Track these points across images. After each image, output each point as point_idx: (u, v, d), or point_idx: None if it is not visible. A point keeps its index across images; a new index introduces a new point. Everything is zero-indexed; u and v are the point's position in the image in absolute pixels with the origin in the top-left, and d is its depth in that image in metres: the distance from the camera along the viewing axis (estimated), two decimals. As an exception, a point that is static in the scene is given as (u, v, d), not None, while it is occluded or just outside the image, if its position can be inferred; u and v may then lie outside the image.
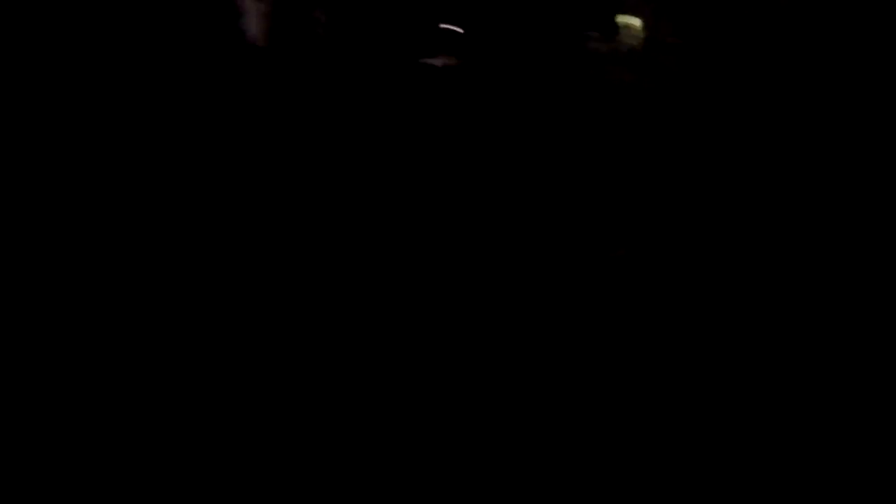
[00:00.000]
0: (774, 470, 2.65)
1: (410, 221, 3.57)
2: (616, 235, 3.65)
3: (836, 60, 4.00)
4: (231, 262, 3.30)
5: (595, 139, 4.00)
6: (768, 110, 3.99)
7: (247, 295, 3.16)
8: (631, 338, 3.17)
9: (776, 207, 3.69)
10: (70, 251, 3.21)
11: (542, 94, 4.14)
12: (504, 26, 4.25)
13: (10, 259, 3.14)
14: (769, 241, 3.59)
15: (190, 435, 2.64)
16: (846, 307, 3.26)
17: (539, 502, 2.54)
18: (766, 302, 3.34)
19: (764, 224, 3.66)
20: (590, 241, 3.59)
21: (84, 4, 3.82)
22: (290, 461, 2.58)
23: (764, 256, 3.53)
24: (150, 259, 3.28)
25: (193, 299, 3.10)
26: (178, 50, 4.00)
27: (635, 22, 4.26)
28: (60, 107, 3.68)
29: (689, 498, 2.56)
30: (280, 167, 3.71)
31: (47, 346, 2.88)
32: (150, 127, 3.77)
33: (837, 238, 3.55)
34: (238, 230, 3.44)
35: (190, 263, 3.25)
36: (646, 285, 3.41)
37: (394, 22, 4.25)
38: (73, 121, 3.67)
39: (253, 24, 4.07)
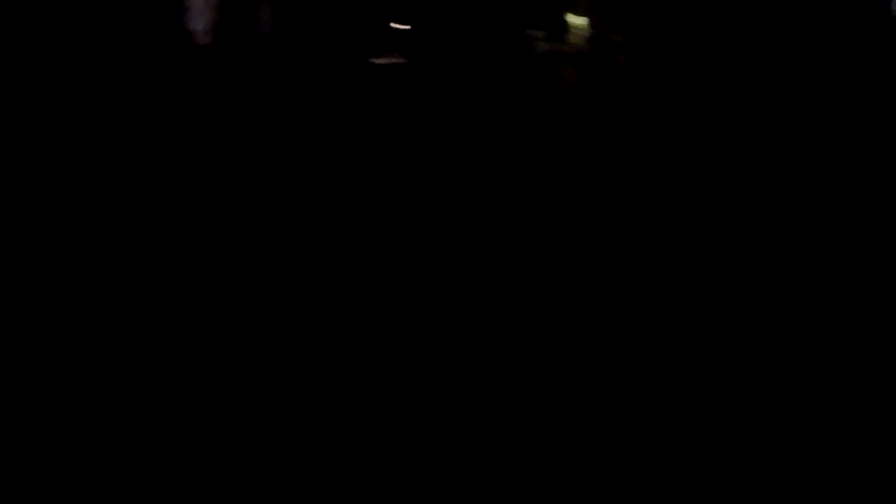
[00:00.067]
0: (754, 468, 2.67)
1: (357, 218, 3.54)
2: (567, 233, 3.67)
3: (776, 55, 4.08)
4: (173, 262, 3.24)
5: (543, 137, 4.02)
6: (714, 107, 4.06)
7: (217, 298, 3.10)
8: (584, 331, 3.19)
9: (725, 200, 3.75)
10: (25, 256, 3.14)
11: (490, 92, 4.14)
12: (451, 25, 4.25)
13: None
14: (722, 234, 3.64)
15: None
16: (805, 297, 3.32)
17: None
18: (721, 294, 3.39)
19: (714, 217, 3.71)
20: (541, 237, 3.60)
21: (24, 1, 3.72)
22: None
23: (719, 249, 3.58)
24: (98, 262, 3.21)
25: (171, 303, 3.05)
26: (120, 48, 3.91)
27: (582, 21, 4.29)
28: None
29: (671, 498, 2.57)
30: (225, 165, 3.65)
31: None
32: (91, 124, 3.68)
33: (794, 227, 3.62)
34: (178, 223, 3.38)
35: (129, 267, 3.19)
36: (597, 281, 3.43)
37: (340, 20, 4.21)
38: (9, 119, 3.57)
39: (197, 20, 3.99)
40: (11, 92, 3.61)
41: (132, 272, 3.16)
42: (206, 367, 2.81)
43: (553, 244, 3.61)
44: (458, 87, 4.13)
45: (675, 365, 3.04)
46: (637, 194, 3.81)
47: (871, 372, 3.00)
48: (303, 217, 3.52)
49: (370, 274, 3.34)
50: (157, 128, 3.77)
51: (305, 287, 3.23)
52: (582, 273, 3.47)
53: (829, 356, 3.07)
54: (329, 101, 4.00)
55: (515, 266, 3.47)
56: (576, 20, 4.29)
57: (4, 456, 2.41)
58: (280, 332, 2.99)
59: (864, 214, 3.64)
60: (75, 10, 3.77)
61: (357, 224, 3.52)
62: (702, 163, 3.93)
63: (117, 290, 3.07)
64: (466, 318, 3.19)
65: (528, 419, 2.77)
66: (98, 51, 3.84)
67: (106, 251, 3.23)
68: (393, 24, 4.15)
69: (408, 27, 4.17)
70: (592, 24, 4.28)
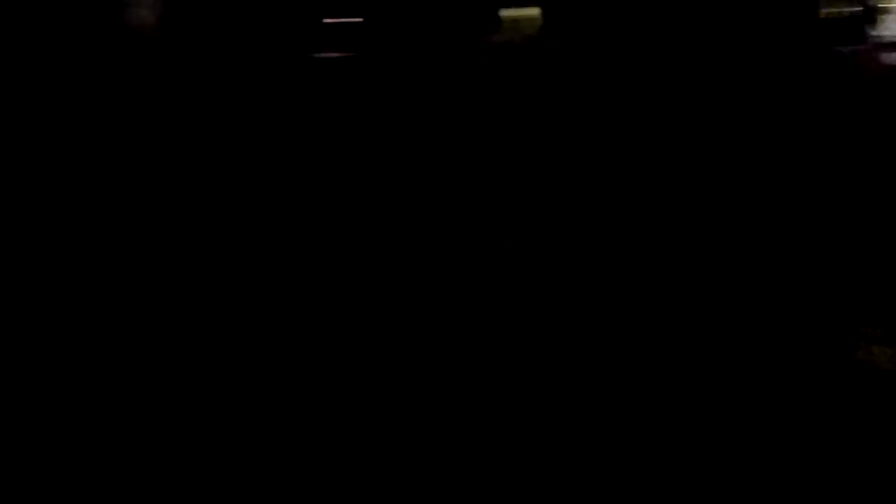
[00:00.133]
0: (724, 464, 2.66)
1: (302, 211, 3.53)
2: (502, 226, 3.65)
3: (715, 55, 4.06)
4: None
5: (487, 130, 4.01)
6: (655, 102, 4.03)
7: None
8: (516, 323, 3.17)
9: (658, 195, 3.73)
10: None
11: (435, 86, 4.13)
12: (396, 20, 4.23)
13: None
14: (651, 229, 3.62)
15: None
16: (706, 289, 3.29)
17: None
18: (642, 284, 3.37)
19: (646, 213, 3.70)
20: (477, 230, 3.59)
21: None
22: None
23: (644, 243, 3.56)
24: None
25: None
26: (62, 42, 3.91)
27: (526, 13, 4.27)
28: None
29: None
30: (170, 161, 3.64)
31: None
32: (30, 119, 3.68)
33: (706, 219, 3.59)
34: (118, 217, 3.37)
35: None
36: (530, 272, 3.41)
37: (287, 15, 4.20)
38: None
39: (142, 14, 3.99)
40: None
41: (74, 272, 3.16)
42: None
43: (489, 236, 3.59)
44: (405, 81, 4.12)
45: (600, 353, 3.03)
46: (573, 187, 3.79)
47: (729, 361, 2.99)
48: (240, 210, 3.51)
49: (309, 265, 3.33)
50: (105, 122, 3.77)
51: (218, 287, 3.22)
52: (515, 263, 3.45)
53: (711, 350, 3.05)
54: (272, 94, 3.99)
55: (453, 256, 3.45)
56: (520, 13, 4.28)
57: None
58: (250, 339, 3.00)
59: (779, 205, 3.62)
60: (24, 7, 3.77)
61: (295, 217, 3.51)
62: (641, 155, 3.91)
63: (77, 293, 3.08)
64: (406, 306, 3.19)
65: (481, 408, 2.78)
66: (43, 46, 3.85)
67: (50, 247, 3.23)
68: (335, 19, 4.14)
69: (350, 21, 4.16)
70: (537, 18, 4.27)
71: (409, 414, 2.74)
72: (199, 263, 3.23)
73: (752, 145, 3.85)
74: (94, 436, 2.56)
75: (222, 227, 3.41)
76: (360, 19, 4.24)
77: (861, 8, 4.29)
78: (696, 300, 3.28)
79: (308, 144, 3.88)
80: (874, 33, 4.29)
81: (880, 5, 4.29)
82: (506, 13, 4.28)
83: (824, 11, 4.26)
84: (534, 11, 4.44)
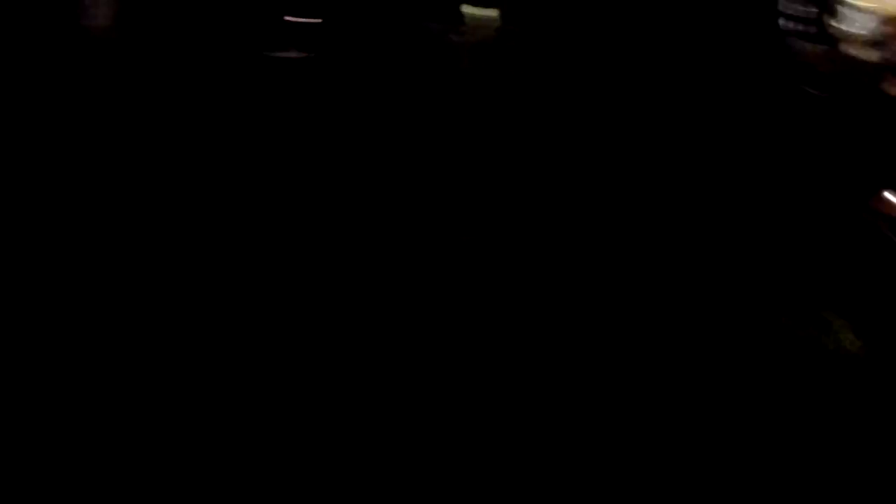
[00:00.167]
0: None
1: (259, 211, 3.50)
2: (462, 222, 3.65)
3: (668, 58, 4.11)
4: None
5: (445, 128, 4.00)
6: (611, 98, 4.07)
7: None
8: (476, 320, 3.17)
9: (624, 187, 3.76)
10: None
11: (393, 84, 4.12)
12: (355, 18, 4.22)
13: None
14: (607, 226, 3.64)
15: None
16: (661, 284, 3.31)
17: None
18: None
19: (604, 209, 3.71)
20: (437, 227, 3.58)
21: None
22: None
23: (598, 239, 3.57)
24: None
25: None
26: (16, 42, 3.86)
27: (484, 13, 4.28)
28: None
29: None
30: (125, 162, 3.59)
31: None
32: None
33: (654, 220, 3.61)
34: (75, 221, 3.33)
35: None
36: (489, 269, 3.41)
37: (245, 14, 4.18)
38: None
39: (96, 12, 3.94)
40: None
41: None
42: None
43: (448, 233, 3.58)
44: (361, 82, 4.11)
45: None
46: (533, 184, 3.80)
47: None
48: (194, 216, 3.47)
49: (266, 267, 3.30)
50: (57, 124, 3.71)
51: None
52: (475, 260, 3.44)
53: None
54: (227, 95, 3.96)
55: (413, 253, 3.44)
56: (479, 11, 4.28)
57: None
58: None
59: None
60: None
61: (252, 217, 3.48)
62: (598, 152, 3.93)
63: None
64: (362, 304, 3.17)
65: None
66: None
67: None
68: (291, 18, 4.12)
69: (307, 21, 4.14)
70: (495, 16, 4.28)
71: (393, 411, 2.72)
72: (155, 264, 3.20)
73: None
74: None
75: (178, 226, 3.37)
76: (320, 19, 4.22)
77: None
78: (659, 285, 3.30)
79: (267, 144, 3.85)
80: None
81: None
82: (467, 10, 4.29)
83: None
84: (492, 13, 4.46)
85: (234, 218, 3.41)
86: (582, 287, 3.29)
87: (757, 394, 2.91)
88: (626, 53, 4.16)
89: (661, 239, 3.52)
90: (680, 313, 3.19)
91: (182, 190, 3.50)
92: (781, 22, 4.23)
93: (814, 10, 4.18)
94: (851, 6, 4.10)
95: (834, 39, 4.24)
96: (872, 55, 4.19)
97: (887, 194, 3.75)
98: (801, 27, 4.27)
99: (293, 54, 4.09)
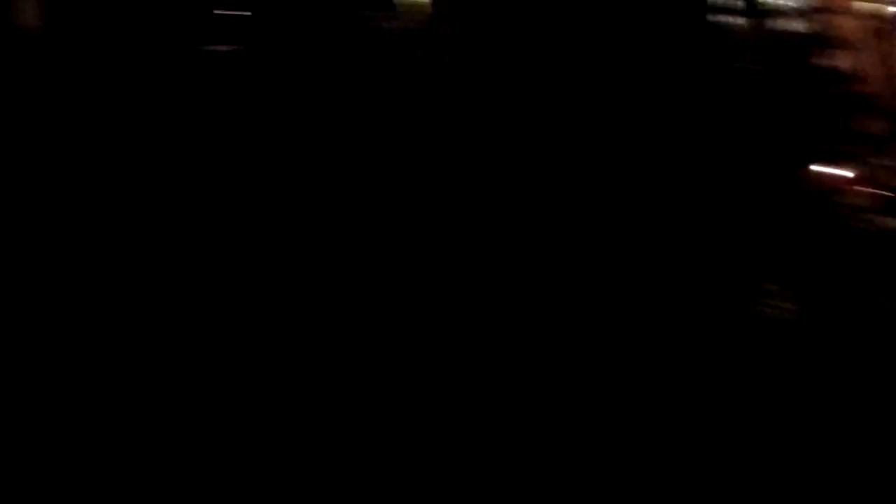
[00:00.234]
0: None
1: (189, 206, 3.47)
2: (388, 214, 3.64)
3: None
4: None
5: (377, 114, 3.98)
6: (542, 79, 4.07)
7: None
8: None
9: (556, 172, 3.77)
10: None
11: (330, 74, 4.10)
12: (285, 8, 4.19)
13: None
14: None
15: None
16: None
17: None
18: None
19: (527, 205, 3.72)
20: (364, 217, 3.57)
21: None
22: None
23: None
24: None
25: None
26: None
27: (420, -1, 4.27)
28: None
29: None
30: (54, 160, 3.54)
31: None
32: None
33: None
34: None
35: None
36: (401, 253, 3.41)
37: (175, 8, 4.13)
38: None
39: (23, 8, 3.87)
40: None
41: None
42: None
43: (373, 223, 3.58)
44: (295, 72, 4.08)
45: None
46: (472, 173, 3.81)
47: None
48: (127, 207, 3.43)
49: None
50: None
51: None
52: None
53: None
54: (161, 89, 3.91)
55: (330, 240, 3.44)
56: (415, -1, 4.27)
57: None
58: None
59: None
60: None
61: (182, 213, 3.45)
62: (543, 140, 3.94)
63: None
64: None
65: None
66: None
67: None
68: (224, 11, 4.08)
69: (239, 13, 4.10)
70: (430, 3, 4.27)
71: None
72: (82, 262, 3.17)
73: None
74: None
75: (108, 225, 3.34)
76: (250, 12, 4.18)
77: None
78: (602, 258, 3.32)
79: (199, 139, 3.81)
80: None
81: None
82: (398, -3, 4.28)
83: None
84: (424, -1, 4.44)
85: (164, 209, 3.39)
86: (515, 259, 3.31)
87: (699, 362, 2.96)
88: (556, 36, 4.17)
89: (600, 214, 3.55)
90: (623, 286, 3.23)
91: (114, 182, 3.47)
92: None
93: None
94: (778, -20, 4.16)
95: (762, 13, 4.28)
96: (800, 27, 4.25)
97: (818, 166, 3.82)
98: (729, 1, 4.31)
99: (223, 48, 4.05)
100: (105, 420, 2.58)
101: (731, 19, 4.34)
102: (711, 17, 4.37)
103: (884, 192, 3.74)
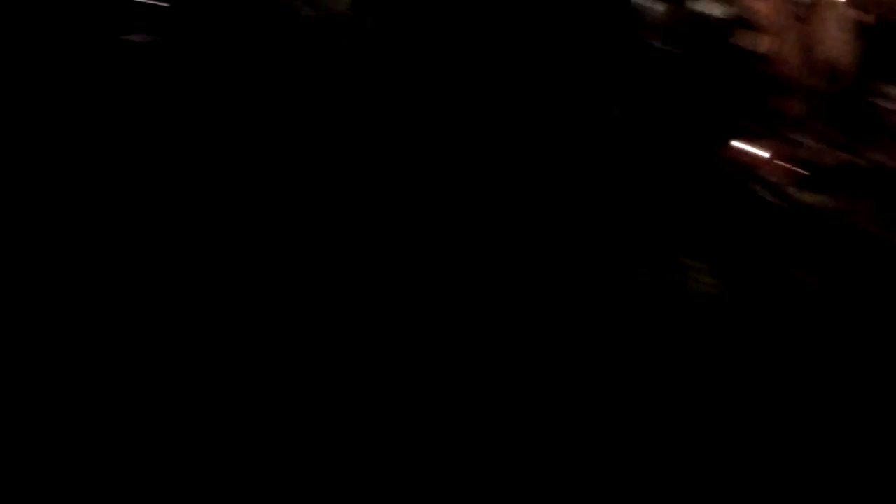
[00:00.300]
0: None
1: (107, 201, 3.42)
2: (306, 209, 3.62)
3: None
4: None
5: (298, 101, 3.96)
6: (462, 66, 4.08)
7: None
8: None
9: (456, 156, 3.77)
10: None
11: (250, 63, 4.06)
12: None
13: None
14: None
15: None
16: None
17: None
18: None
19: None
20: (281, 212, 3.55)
21: None
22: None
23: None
24: None
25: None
26: None
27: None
28: None
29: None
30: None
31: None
32: None
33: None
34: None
35: None
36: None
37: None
38: None
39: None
40: None
41: None
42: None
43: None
44: (214, 63, 4.04)
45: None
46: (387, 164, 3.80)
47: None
48: (44, 204, 3.38)
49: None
50: None
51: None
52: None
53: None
54: (77, 78, 3.85)
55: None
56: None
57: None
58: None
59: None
60: None
61: (99, 208, 3.40)
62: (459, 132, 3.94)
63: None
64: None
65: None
66: None
67: None
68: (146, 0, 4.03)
69: (157, 2, 4.05)
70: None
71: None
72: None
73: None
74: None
75: (22, 221, 3.29)
76: (168, 2, 4.13)
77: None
78: (521, 235, 3.34)
79: (116, 130, 3.76)
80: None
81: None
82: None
83: None
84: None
85: (82, 203, 3.34)
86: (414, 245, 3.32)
87: (621, 339, 2.98)
88: (477, 25, 4.18)
89: (515, 191, 3.56)
90: (543, 265, 3.24)
91: (30, 175, 3.41)
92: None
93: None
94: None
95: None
96: (717, 10, 4.31)
97: (738, 143, 3.87)
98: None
99: (142, 38, 4.00)
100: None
101: (651, 3, 4.38)
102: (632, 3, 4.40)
103: (800, 169, 3.81)
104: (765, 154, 3.85)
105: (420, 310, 3.09)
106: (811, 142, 3.95)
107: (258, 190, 3.60)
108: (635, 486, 2.61)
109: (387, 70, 4.18)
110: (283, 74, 4.09)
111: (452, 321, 3.04)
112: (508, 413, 2.75)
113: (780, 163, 3.82)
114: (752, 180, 3.71)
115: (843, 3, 4.22)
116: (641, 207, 3.55)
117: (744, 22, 4.29)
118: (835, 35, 4.25)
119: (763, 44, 4.24)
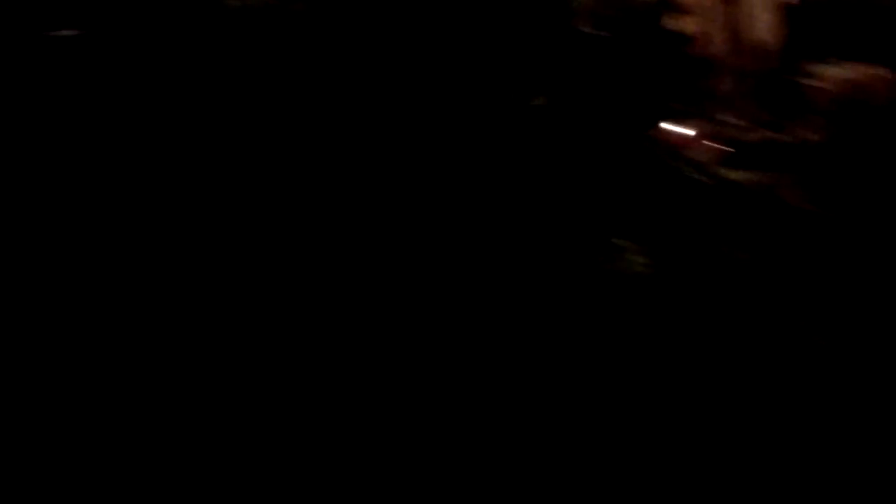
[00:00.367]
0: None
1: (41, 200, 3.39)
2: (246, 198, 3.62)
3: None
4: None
5: (224, 93, 3.94)
6: (395, 51, 4.09)
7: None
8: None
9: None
10: None
11: (200, 54, 4.04)
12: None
13: None
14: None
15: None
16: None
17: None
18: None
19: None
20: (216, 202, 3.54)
21: None
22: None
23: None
24: None
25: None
26: None
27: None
28: None
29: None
30: None
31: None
32: None
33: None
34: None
35: None
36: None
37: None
38: None
39: None
40: None
41: None
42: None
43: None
44: (142, 56, 4.01)
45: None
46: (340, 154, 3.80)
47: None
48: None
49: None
50: None
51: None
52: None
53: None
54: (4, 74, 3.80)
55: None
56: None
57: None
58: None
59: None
60: None
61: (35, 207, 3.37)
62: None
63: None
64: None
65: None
66: None
67: None
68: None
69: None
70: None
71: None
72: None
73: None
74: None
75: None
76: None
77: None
78: (460, 220, 3.36)
79: (45, 127, 3.72)
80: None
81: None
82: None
83: None
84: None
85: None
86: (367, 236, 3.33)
87: (554, 320, 3.02)
88: (403, 8, 4.19)
89: (456, 175, 3.58)
90: (479, 248, 3.27)
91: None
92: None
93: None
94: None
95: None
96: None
97: (666, 124, 3.93)
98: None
99: (68, 32, 3.96)
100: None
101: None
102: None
103: (727, 147, 3.88)
104: (692, 134, 3.91)
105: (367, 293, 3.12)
106: (737, 120, 4.03)
107: (186, 184, 3.59)
108: (567, 464, 2.66)
109: (316, 55, 4.18)
110: (213, 66, 4.07)
111: (396, 304, 3.07)
112: (454, 396, 2.78)
113: (707, 142, 3.89)
114: (681, 160, 3.77)
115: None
116: (572, 190, 3.59)
117: (671, 5, 4.35)
118: (760, 16, 4.34)
119: (690, 25, 4.30)
